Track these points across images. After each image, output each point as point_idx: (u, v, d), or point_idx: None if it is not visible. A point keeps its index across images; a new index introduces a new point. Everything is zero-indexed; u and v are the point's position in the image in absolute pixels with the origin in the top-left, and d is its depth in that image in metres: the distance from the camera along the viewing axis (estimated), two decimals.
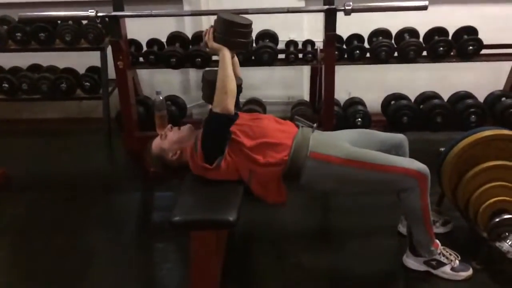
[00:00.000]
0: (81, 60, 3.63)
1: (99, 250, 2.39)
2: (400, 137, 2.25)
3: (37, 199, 2.89)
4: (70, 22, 3.41)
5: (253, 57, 3.37)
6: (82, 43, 3.45)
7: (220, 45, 1.95)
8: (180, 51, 3.34)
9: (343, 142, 2.08)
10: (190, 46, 3.42)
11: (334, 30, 2.58)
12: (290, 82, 3.98)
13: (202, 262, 1.76)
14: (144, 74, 3.96)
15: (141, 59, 3.45)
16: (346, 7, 2.44)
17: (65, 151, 3.58)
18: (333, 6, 2.49)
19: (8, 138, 3.86)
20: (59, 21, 3.41)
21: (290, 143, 1.98)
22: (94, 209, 2.77)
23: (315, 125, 2.14)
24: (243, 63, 3.35)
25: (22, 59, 3.69)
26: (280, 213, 2.59)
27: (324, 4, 2.55)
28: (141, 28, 3.43)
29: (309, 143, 1.99)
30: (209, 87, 2.02)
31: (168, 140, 2.10)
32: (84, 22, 3.40)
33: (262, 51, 3.33)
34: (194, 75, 3.95)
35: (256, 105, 3.46)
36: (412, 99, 3.48)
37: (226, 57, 1.94)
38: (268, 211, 2.55)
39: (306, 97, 3.88)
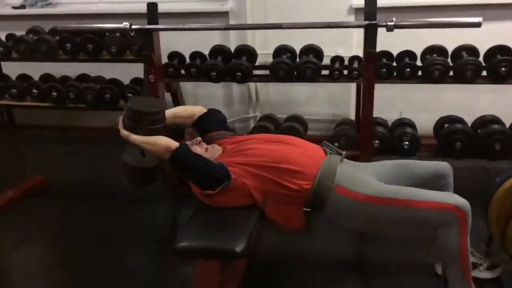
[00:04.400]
0: (127, 71, 3.67)
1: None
2: (443, 166, 2.02)
3: (71, 207, 2.92)
4: (117, 34, 3.46)
5: (295, 73, 3.24)
6: (127, 54, 3.48)
7: (128, 132, 1.88)
8: (221, 65, 3.28)
9: (372, 178, 1.89)
10: (233, 60, 3.35)
11: (374, 47, 2.40)
12: (337, 99, 3.80)
13: None
14: (188, 87, 3.94)
15: (183, 71, 3.43)
16: (388, 23, 2.26)
17: (105, 160, 3.62)
18: (374, 22, 2.32)
19: (53, 145, 4.00)
20: (107, 33, 3.47)
21: (315, 172, 1.82)
22: (122, 221, 2.74)
23: (344, 153, 1.97)
24: (285, 79, 3.24)
25: (72, 69, 3.80)
26: (307, 239, 2.42)
27: (365, 19, 2.37)
28: (186, 41, 3.43)
29: (336, 173, 1.82)
30: (129, 171, 1.98)
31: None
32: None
33: (305, 66, 3.19)
34: (237, 89, 3.88)
35: (296, 123, 3.31)
36: (469, 123, 3.18)
37: (136, 139, 1.88)
38: (295, 237, 2.38)
39: (353, 116, 3.68)
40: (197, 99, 3.98)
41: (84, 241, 2.61)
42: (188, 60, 3.48)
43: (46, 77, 3.83)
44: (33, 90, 3.65)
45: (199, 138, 2.06)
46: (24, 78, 3.86)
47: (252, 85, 3.82)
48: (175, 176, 2.01)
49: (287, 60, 3.24)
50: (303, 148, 1.95)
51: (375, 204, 1.75)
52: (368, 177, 1.88)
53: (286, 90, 3.77)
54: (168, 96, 3.71)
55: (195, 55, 3.47)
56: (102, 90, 3.50)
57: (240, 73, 3.24)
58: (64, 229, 2.71)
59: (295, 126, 3.23)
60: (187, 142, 2.03)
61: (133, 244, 2.52)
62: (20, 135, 4.20)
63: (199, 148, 2.00)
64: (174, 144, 1.84)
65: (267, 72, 3.34)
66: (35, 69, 3.84)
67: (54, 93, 3.58)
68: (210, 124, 2.18)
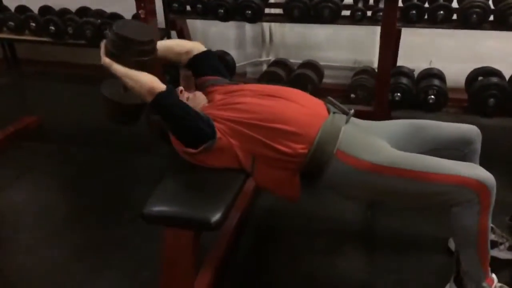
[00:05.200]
0: (130, 5, 3.36)
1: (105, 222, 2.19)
2: (470, 130, 1.71)
3: (62, 151, 2.76)
4: None
5: (311, 12, 2.87)
6: None
7: (111, 61, 1.57)
8: (229, 1, 2.94)
9: (382, 142, 1.60)
10: None
11: None
12: (359, 44, 3.42)
13: (174, 266, 1.45)
14: (197, 25, 3.62)
15: (189, 8, 3.11)
16: None
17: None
18: None
19: (56, 82, 3.81)
20: None
21: (314, 134, 1.53)
22: (117, 167, 2.56)
23: (351, 112, 1.66)
24: (300, 19, 2.89)
25: (72, 0, 3.52)
26: (309, 204, 2.18)
27: None
28: None
29: (339, 137, 1.54)
30: (108, 105, 1.68)
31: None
32: None
33: (323, 5, 2.82)
34: (250, 30, 3.53)
35: (310, 70, 2.99)
36: (507, 77, 2.79)
37: (118, 71, 1.57)
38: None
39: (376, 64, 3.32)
40: (206, 39, 3.66)
41: (72, 185, 2.47)
42: None
43: (45, 10, 3.57)
44: (31, 24, 3.41)
45: (181, 87, 1.79)
46: (23, 10, 3.61)
47: (266, 26, 3.46)
48: (157, 124, 1.76)
49: None
50: (301, 104, 1.65)
51: (382, 174, 1.48)
52: (377, 141, 1.59)
53: (303, 32, 3.41)
54: (174, 34, 3.43)
55: None
56: (102, 25, 3.23)
57: (250, 11, 2.90)
58: (51, 172, 2.56)
59: (308, 74, 2.91)
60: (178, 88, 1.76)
61: (125, 189, 2.32)
62: (23, 70, 4.01)
63: (182, 98, 1.74)
64: (159, 86, 1.55)
65: (280, 11, 3.00)
66: (35, 0, 3.58)
67: (52, 28, 3.33)
68: (207, 67, 1.87)
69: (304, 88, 2.87)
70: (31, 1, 3.62)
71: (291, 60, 3.21)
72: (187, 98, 1.77)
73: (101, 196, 2.35)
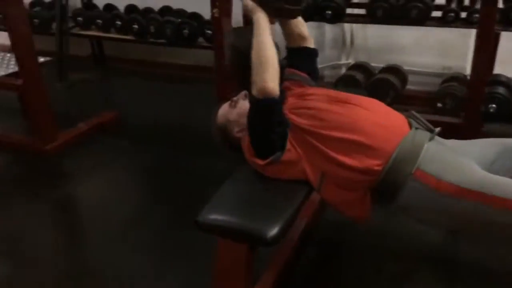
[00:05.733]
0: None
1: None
2: None
3: (134, 148, 2.80)
4: None
5: (397, 13, 2.67)
6: None
7: (255, 5, 1.44)
8: (309, 1, 2.81)
9: (470, 161, 1.39)
10: None
11: None
12: (450, 49, 3.12)
13: (226, 279, 1.36)
14: (276, 26, 3.52)
15: None
16: None
17: (182, 99, 3.45)
18: None
19: (131, 79, 3.92)
20: None
21: (391, 150, 1.36)
22: (184, 169, 2.54)
23: (437, 129, 1.47)
24: (384, 20, 2.70)
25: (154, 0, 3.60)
26: (382, 221, 1.96)
27: None
28: None
29: (419, 156, 1.35)
30: (235, 55, 1.53)
31: (237, 110, 1.64)
32: None
33: (410, 6, 2.61)
34: (329, 30, 3.37)
35: (392, 74, 2.77)
36: None
37: (260, 20, 1.44)
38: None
39: (469, 71, 3.01)
40: (283, 40, 3.56)
41: (141, 182, 2.50)
42: None
43: (130, 8, 3.68)
44: (117, 22, 3.54)
45: (245, 92, 1.67)
46: (110, 8, 3.76)
47: (347, 26, 3.28)
48: (217, 135, 1.68)
49: None
50: (379, 116, 1.48)
51: (468, 200, 1.27)
52: (465, 162, 1.38)
53: (387, 35, 3.18)
54: None
55: None
56: (181, 25, 3.26)
57: (330, 11, 2.76)
58: (122, 167, 2.62)
59: (389, 79, 2.70)
60: (232, 99, 1.67)
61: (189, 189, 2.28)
62: (108, 67, 4.20)
63: (245, 103, 1.62)
64: (275, 89, 1.41)
65: (363, 11, 2.82)
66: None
67: (136, 26, 3.43)
68: (306, 63, 1.75)
69: (384, 94, 2.69)
70: (118, 0, 3.76)
71: (372, 64, 3.01)
72: (245, 95, 1.67)
73: (167, 195, 2.34)
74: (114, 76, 4.04)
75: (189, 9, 3.48)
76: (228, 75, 2.48)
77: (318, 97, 1.58)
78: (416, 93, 3.00)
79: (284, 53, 1.75)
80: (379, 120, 1.45)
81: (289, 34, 1.74)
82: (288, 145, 1.44)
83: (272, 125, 1.44)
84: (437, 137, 1.46)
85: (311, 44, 1.75)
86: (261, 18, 1.45)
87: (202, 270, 1.69)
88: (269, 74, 1.41)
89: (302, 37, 1.73)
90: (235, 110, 1.65)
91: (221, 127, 1.68)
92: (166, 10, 3.57)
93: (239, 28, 1.55)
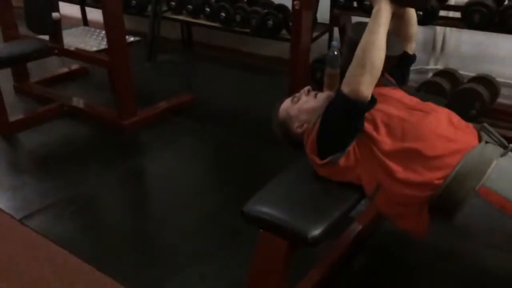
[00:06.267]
0: None
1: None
2: None
3: (205, 131, 2.88)
4: None
5: (496, 20, 2.46)
6: None
7: None
8: None
9: None
10: None
11: None
12: None
13: (262, 274, 1.34)
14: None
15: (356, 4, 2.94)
16: None
17: (259, 89, 3.47)
18: None
19: (214, 65, 4.00)
20: None
21: (454, 162, 1.26)
22: (249, 157, 2.57)
23: (511, 146, 1.33)
24: (480, 26, 2.50)
25: None
26: (446, 237, 1.84)
27: None
28: None
29: (486, 171, 1.23)
30: (351, 49, 1.39)
31: (298, 106, 1.59)
32: None
33: (511, 12, 2.39)
34: (420, 33, 3.17)
35: (481, 85, 2.56)
36: None
37: (381, 13, 1.30)
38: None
39: None
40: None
41: (206, 165, 2.59)
42: None
43: None
44: (206, 8, 3.63)
45: (308, 87, 1.63)
46: None
47: (440, 29, 3.09)
48: (278, 130, 1.66)
49: (489, 2, 2.47)
50: (446, 125, 1.37)
51: None
52: None
53: (483, 42, 2.94)
54: (336, 32, 3.30)
55: None
56: (267, 15, 3.26)
57: (421, 12, 2.60)
58: (190, 148, 2.72)
59: (477, 89, 2.50)
60: (294, 95, 1.63)
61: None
62: (195, 51, 4.33)
63: (306, 99, 1.58)
64: (368, 93, 1.31)
65: (458, 14, 2.63)
66: None
67: (223, 14, 3.50)
68: (400, 68, 1.63)
69: (470, 106, 2.49)
70: None
71: (462, 72, 2.81)
72: (315, 95, 1.62)
73: (227, 179, 2.39)
74: (199, 60, 4.16)
75: (277, 0, 3.48)
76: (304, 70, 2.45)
77: (388, 100, 1.50)
78: (507, 107, 2.75)
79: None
80: (445, 131, 1.35)
81: (396, 31, 1.57)
82: (350, 148, 1.38)
83: (349, 128, 1.37)
84: (510, 154, 1.33)
85: (412, 49, 1.63)
86: (383, 11, 1.31)
87: (246, 259, 1.70)
88: (367, 78, 1.30)
89: (408, 39, 1.60)
90: (296, 106, 1.62)
91: (282, 122, 1.66)
92: (254, 0, 3.60)
93: (359, 23, 1.44)
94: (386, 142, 1.35)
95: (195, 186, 2.35)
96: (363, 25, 1.39)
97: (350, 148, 1.38)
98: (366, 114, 1.42)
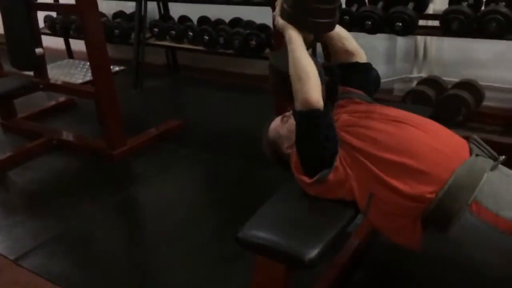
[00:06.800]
0: None
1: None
2: None
3: (195, 156, 2.87)
4: None
5: (474, 25, 2.50)
6: None
7: (285, 23, 1.42)
8: (378, 13, 2.72)
9: None
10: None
11: None
12: None
13: None
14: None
15: None
16: None
17: (247, 109, 3.48)
18: None
19: (201, 87, 4.02)
20: None
21: (446, 177, 1.26)
22: (242, 180, 2.57)
23: (501, 158, 1.33)
24: (460, 33, 2.53)
25: (227, 12, 3.68)
26: (447, 247, 1.84)
27: None
28: None
29: (477, 186, 1.23)
30: (275, 75, 1.48)
31: (288, 125, 1.60)
32: None
33: (489, 18, 2.42)
34: (402, 43, 3.24)
35: (466, 91, 2.59)
36: None
37: (293, 39, 1.40)
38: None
39: None
40: None
41: (198, 190, 2.58)
42: (344, 5, 3.01)
43: (203, 20, 3.80)
44: (189, 33, 3.67)
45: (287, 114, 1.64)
46: (184, 19, 3.90)
47: (420, 38, 3.13)
48: (267, 150, 1.66)
49: (466, 9, 2.51)
50: (436, 139, 1.37)
51: None
52: None
53: (464, 47, 2.99)
54: (318, 46, 3.33)
55: (354, 0, 2.97)
56: (249, 36, 3.30)
57: (400, 23, 2.64)
58: (181, 174, 2.71)
59: (462, 95, 2.53)
60: (284, 114, 1.64)
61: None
62: (182, 76, 4.35)
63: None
64: (318, 101, 1.36)
65: (437, 23, 2.67)
66: (195, 11, 3.85)
67: (206, 37, 3.53)
68: (359, 79, 1.67)
69: (456, 111, 2.52)
70: (193, 12, 3.89)
71: (446, 79, 2.84)
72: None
73: (221, 205, 2.38)
74: (185, 84, 4.18)
75: (258, 20, 3.52)
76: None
77: (373, 115, 1.51)
78: (493, 110, 2.78)
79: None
80: (435, 144, 1.35)
81: (335, 50, 1.67)
82: (337, 162, 1.38)
83: (320, 140, 1.39)
84: (501, 167, 1.33)
85: (362, 58, 1.67)
86: (293, 36, 1.42)
87: (244, 284, 1.68)
88: (309, 85, 1.36)
89: (350, 53, 1.65)
90: (285, 126, 1.63)
91: (272, 142, 1.67)
92: (236, 21, 3.64)
93: (279, 49, 1.50)
94: (374, 154, 1.35)
95: (189, 213, 2.33)
96: (280, 52, 1.48)
97: (337, 163, 1.38)
98: (352, 128, 1.44)
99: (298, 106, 1.39)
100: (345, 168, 1.38)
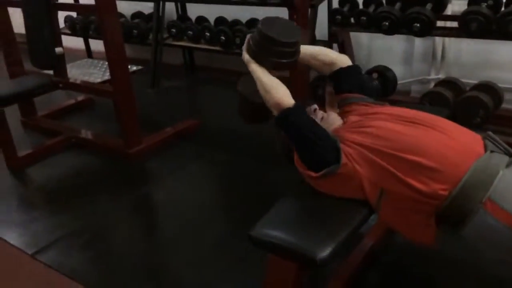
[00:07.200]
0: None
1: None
2: None
3: (211, 155, 2.89)
4: None
5: (493, 27, 2.47)
6: None
7: (250, 58, 1.55)
8: (396, 13, 2.71)
9: None
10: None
11: None
12: None
13: None
14: (363, 39, 3.44)
15: (353, 19, 2.97)
16: None
17: None
18: None
19: (217, 88, 4.03)
20: None
21: (460, 174, 1.25)
22: (255, 180, 2.57)
23: None
24: (478, 34, 2.51)
25: (245, 13, 3.69)
26: (463, 249, 1.82)
27: None
28: None
29: (492, 183, 1.22)
30: (240, 100, 1.67)
31: None
32: None
33: (509, 19, 2.40)
34: (420, 44, 3.21)
35: (484, 92, 2.55)
36: None
37: (255, 71, 1.55)
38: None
39: None
40: (370, 53, 3.46)
41: (212, 189, 2.59)
42: (361, 6, 3.00)
43: (220, 20, 3.82)
44: (206, 33, 3.69)
45: (315, 106, 1.66)
46: (201, 20, 3.93)
47: (438, 39, 3.10)
48: (284, 140, 1.68)
49: (485, 10, 2.49)
50: (449, 135, 1.36)
51: None
52: None
53: (484, 49, 2.95)
54: (335, 48, 3.32)
55: (371, 0, 2.96)
56: None
57: (418, 24, 2.63)
58: (197, 173, 2.73)
59: (480, 97, 2.49)
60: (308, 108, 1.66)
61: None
62: (199, 76, 4.38)
63: (313, 118, 1.61)
64: (287, 101, 1.47)
65: (456, 24, 2.65)
66: (213, 11, 3.87)
67: (223, 37, 3.55)
68: (350, 83, 1.71)
69: (474, 114, 2.48)
70: (210, 12, 3.92)
71: (465, 81, 2.80)
72: (322, 118, 1.64)
73: (235, 203, 2.39)
74: (202, 84, 4.20)
75: None
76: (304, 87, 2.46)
77: (383, 116, 1.52)
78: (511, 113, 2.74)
79: None
80: (448, 141, 1.34)
81: (316, 67, 1.76)
82: (344, 159, 1.39)
83: (308, 136, 1.44)
84: None
85: (344, 63, 1.71)
86: (255, 68, 1.54)
87: (257, 283, 1.69)
88: (278, 92, 1.49)
89: (329, 64, 1.72)
90: None
91: (283, 139, 1.68)
92: (252, 22, 3.65)
93: (246, 75, 1.62)
94: (385, 151, 1.35)
95: (204, 212, 2.34)
96: (247, 78, 1.61)
97: (345, 159, 1.39)
98: (361, 129, 1.47)
99: (274, 113, 1.50)
100: (353, 164, 1.39)
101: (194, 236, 2.15)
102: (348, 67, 1.72)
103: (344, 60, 1.73)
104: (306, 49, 1.69)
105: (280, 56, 1.51)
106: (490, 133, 1.39)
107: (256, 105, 1.63)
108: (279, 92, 1.50)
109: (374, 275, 1.83)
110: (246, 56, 1.58)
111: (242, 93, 1.64)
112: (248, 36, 1.59)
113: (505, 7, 2.54)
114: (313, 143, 1.43)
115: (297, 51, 1.57)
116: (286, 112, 1.46)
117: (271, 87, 1.51)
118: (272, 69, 1.56)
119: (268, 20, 1.56)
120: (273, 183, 2.50)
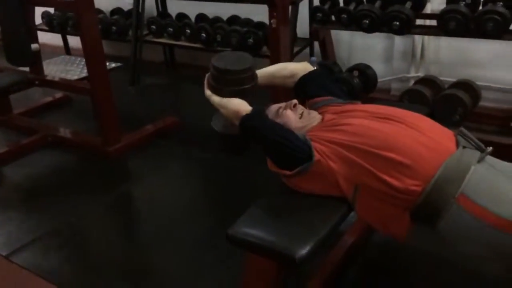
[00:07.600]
0: None
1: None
2: None
3: (190, 153, 2.87)
4: None
5: (472, 25, 2.49)
6: None
7: (210, 93, 1.58)
8: (376, 11, 2.71)
9: None
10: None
11: None
12: None
13: None
14: (344, 36, 3.44)
15: (333, 17, 2.97)
16: None
17: None
18: None
19: (198, 85, 3.95)
20: None
21: (432, 170, 1.26)
22: (237, 177, 2.55)
23: (488, 149, 1.32)
24: (457, 32, 2.54)
25: (225, 9, 3.66)
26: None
27: None
28: None
29: (465, 178, 1.24)
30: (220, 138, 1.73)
31: (282, 121, 1.60)
32: None
33: (486, 18, 2.42)
34: (399, 42, 3.22)
35: (462, 90, 2.58)
36: None
37: (216, 102, 1.57)
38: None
39: None
40: (351, 51, 3.47)
41: (193, 187, 2.56)
42: (341, 4, 3.00)
43: (200, 17, 3.79)
44: (187, 30, 3.65)
45: (295, 101, 1.65)
46: (182, 17, 3.89)
47: (418, 38, 3.12)
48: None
49: (463, 9, 2.51)
50: (422, 132, 1.37)
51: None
52: None
53: (462, 47, 2.98)
54: (316, 45, 3.32)
55: None
56: (246, 34, 3.28)
57: (398, 22, 2.64)
58: (176, 172, 2.70)
59: (458, 95, 2.51)
60: (280, 107, 1.65)
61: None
62: (179, 72, 4.33)
63: (292, 114, 1.60)
64: (245, 109, 1.50)
65: (434, 22, 2.67)
66: (193, 8, 3.83)
67: (203, 35, 3.52)
68: (316, 87, 1.72)
69: (452, 111, 2.51)
70: (191, 9, 3.88)
71: (443, 78, 2.83)
72: (301, 114, 1.63)
73: (215, 202, 2.37)
74: (182, 81, 4.16)
75: (256, 18, 3.50)
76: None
77: (357, 114, 1.53)
78: (489, 110, 2.78)
79: None
80: (420, 137, 1.35)
81: (280, 84, 1.78)
82: (317, 156, 1.39)
83: (274, 140, 1.44)
84: (489, 158, 1.33)
85: (305, 70, 1.73)
86: (216, 99, 1.57)
87: (236, 283, 1.68)
88: (233, 104, 1.52)
89: (290, 76, 1.73)
90: (278, 120, 1.63)
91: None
92: (233, 19, 3.63)
93: (217, 112, 1.67)
94: (359, 147, 1.36)
95: (185, 210, 2.32)
96: (218, 114, 1.63)
97: (318, 156, 1.39)
98: (335, 127, 1.47)
99: (236, 122, 1.51)
100: (327, 161, 1.39)
101: (174, 235, 2.12)
102: (310, 72, 1.73)
103: (304, 68, 1.74)
104: (265, 71, 1.71)
105: (236, 83, 1.56)
106: (462, 129, 1.40)
107: (231, 136, 1.66)
108: (234, 103, 1.52)
109: (354, 272, 1.84)
110: (207, 92, 1.60)
111: (215, 128, 1.68)
112: (207, 74, 1.63)
113: (483, 5, 2.56)
114: (280, 144, 1.43)
115: (253, 76, 1.61)
116: (244, 118, 1.48)
117: (227, 104, 1.53)
118: (232, 97, 1.58)
119: (220, 55, 1.64)
120: (255, 181, 2.48)
